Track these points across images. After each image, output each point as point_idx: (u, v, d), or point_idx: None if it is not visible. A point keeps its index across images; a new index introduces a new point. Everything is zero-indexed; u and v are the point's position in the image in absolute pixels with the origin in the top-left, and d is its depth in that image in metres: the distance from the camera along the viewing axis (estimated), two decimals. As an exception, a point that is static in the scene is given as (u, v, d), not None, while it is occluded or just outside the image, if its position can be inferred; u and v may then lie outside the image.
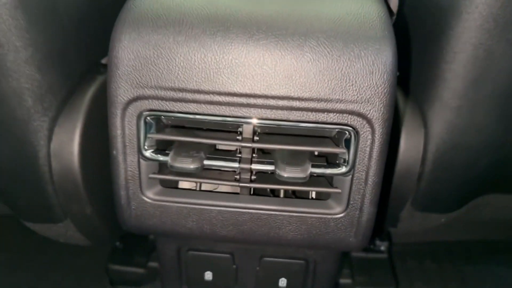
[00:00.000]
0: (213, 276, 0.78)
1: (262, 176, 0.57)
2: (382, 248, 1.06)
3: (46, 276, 1.10)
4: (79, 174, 0.64)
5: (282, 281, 0.77)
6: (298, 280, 0.77)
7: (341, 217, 0.55)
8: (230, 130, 0.55)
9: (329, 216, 0.55)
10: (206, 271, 0.77)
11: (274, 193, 0.60)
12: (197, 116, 0.51)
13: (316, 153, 0.59)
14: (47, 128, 0.60)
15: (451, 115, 0.65)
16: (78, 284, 1.08)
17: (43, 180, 0.63)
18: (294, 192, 0.61)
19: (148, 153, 0.54)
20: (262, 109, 0.50)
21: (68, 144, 0.62)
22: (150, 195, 0.57)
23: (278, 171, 0.52)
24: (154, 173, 0.56)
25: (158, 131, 0.54)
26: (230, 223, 0.57)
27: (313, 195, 0.59)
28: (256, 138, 0.53)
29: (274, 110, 0.50)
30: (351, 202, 0.55)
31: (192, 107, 0.51)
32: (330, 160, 0.57)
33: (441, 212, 0.80)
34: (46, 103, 0.59)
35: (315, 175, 0.53)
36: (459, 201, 0.78)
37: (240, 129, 0.53)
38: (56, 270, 1.12)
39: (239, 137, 0.53)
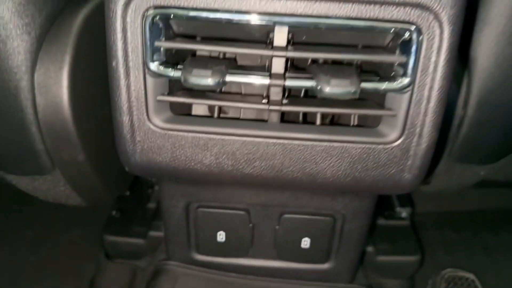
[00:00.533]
0: (226, 237, 0.68)
1: (295, 100, 0.47)
2: (404, 214, 0.98)
3: (34, 252, 0.99)
4: (69, 112, 0.53)
5: (305, 242, 0.68)
6: (323, 240, 0.68)
7: (395, 146, 0.46)
8: (257, 40, 0.46)
9: (380, 146, 0.46)
10: (219, 231, 0.68)
11: (307, 123, 0.51)
12: (217, 15, 0.41)
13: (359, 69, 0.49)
14: (29, 51, 0.50)
15: (503, 42, 0.56)
16: (70, 260, 0.98)
17: (26, 118, 0.53)
18: (332, 122, 0.51)
19: (155, 66, 0.43)
20: (300, 1, 0.40)
21: (55, 74, 0.52)
22: (159, 123, 0.46)
23: (320, 86, 0.42)
24: (163, 94, 0.46)
25: (168, 39, 0.44)
26: (257, 156, 0.47)
27: (355, 121, 0.50)
28: (290, 47, 0.44)
29: (315, 2, 0.41)
30: (408, 127, 0.45)
31: (210, 1, 0.41)
32: (382, 75, 0.47)
33: (482, 163, 0.70)
34: (27, 17, 0.48)
35: (366, 91, 0.43)
36: (502, 150, 0.69)
37: (271, 35, 0.43)
38: (44, 244, 1.01)
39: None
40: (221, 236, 0.68)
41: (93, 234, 1.01)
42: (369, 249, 0.90)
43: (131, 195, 0.96)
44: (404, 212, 0.98)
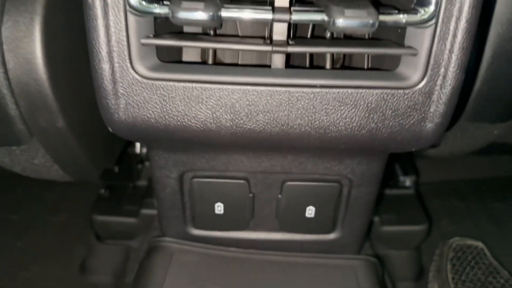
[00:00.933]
0: (225, 209, 0.63)
1: (301, 41, 0.41)
2: (408, 183, 0.93)
3: (21, 236, 0.94)
4: (44, 71, 0.47)
5: (310, 211, 0.63)
6: (329, 208, 0.63)
7: (417, 90, 0.40)
8: None
9: (399, 91, 0.40)
10: (216, 203, 0.63)
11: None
12: None
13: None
14: None
15: None
16: (58, 243, 0.92)
17: None
18: (342, 67, 0.45)
19: (137, 1, 0.37)
20: None
21: (26, 27, 0.46)
22: (144, 72, 0.40)
23: (332, 19, 0.36)
24: (148, 37, 0.40)
25: None
26: (259, 109, 0.41)
27: (369, 65, 0.44)
28: None
29: None
30: (432, 67, 0.39)
31: None
32: (401, 8, 0.41)
33: (495, 120, 0.66)
34: None
35: (385, 24, 0.38)
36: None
37: None
38: (31, 228, 0.96)
39: None
40: (219, 208, 0.63)
41: (82, 215, 0.96)
42: (374, 219, 0.86)
43: (119, 172, 0.90)
44: (408, 181, 0.94)
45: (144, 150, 0.83)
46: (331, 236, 0.67)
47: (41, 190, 1.05)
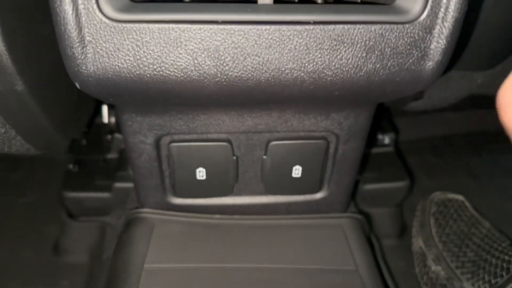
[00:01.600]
0: (207, 174, 0.59)
1: None
2: (387, 141, 0.92)
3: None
4: None
5: (296, 170, 0.60)
6: (316, 167, 0.60)
7: (417, 24, 0.37)
8: None
9: (399, 26, 0.37)
10: (198, 168, 0.59)
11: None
12: None
13: None
14: None
15: None
16: (28, 224, 0.87)
17: None
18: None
19: None
20: None
21: None
22: (113, 13, 0.35)
23: None
24: None
25: None
26: (247, 51, 0.37)
27: None
28: None
29: None
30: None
31: None
32: None
33: (481, 68, 0.64)
34: None
35: None
36: (504, 52, 0.63)
37: None
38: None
39: None
40: (200, 174, 0.59)
41: (51, 193, 0.90)
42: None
43: (88, 145, 0.85)
44: (386, 139, 0.93)
45: (113, 119, 0.78)
46: (318, 195, 0.65)
47: (5, 171, 0.98)
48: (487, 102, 1.00)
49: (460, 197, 0.81)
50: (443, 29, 0.38)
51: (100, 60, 0.37)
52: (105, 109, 0.77)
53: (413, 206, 0.92)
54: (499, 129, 1.06)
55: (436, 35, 0.38)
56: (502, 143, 1.10)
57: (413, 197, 0.90)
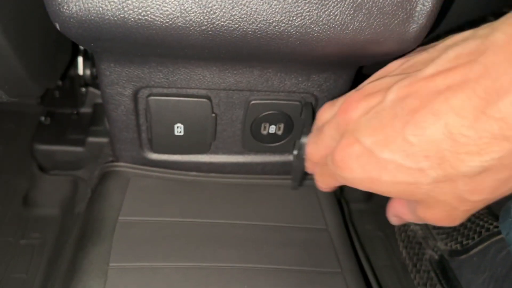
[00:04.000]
0: (185, 130, 0.59)
1: None
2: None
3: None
4: None
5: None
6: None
7: None
8: None
9: None
10: (176, 123, 0.59)
11: None
12: None
13: None
14: None
15: None
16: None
17: None
18: None
19: None
20: None
21: None
22: None
23: None
24: None
25: None
26: (235, 1, 0.37)
27: None
28: None
29: None
30: None
31: None
32: None
33: None
34: None
35: None
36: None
37: None
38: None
39: None
40: (178, 130, 0.59)
41: (20, 146, 0.88)
42: None
43: (61, 98, 0.83)
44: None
45: (88, 72, 0.76)
46: (294, 157, 0.66)
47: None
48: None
49: None
50: None
51: (83, 1, 0.36)
52: (80, 60, 0.74)
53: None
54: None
55: None
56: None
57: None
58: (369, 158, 0.33)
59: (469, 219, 0.65)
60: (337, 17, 0.39)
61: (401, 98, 0.32)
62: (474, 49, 0.29)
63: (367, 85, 0.36)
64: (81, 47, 0.74)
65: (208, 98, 0.57)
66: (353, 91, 0.37)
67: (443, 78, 0.29)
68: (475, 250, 0.60)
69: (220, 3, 0.37)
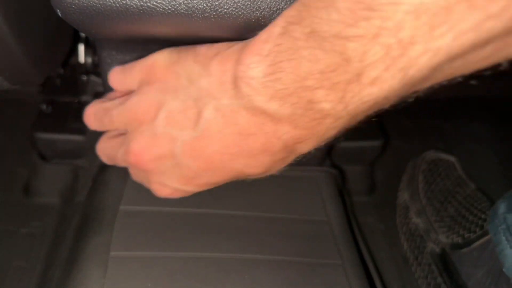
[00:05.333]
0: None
1: None
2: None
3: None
4: None
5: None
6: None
7: None
8: None
9: None
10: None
11: None
12: None
13: None
14: None
15: None
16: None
17: None
18: None
19: None
20: None
21: None
22: None
23: None
24: None
25: None
26: None
27: None
28: None
29: None
30: None
31: None
32: None
33: None
34: None
35: None
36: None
37: None
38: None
39: None
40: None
41: (21, 134, 0.87)
42: None
43: (62, 86, 0.82)
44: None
45: (89, 59, 0.75)
46: (296, 148, 0.66)
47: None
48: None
49: (451, 158, 0.83)
50: None
51: None
52: (81, 48, 0.74)
53: (384, 166, 0.94)
54: (471, 96, 1.09)
55: None
56: (472, 110, 1.14)
57: (385, 157, 0.93)
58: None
59: (471, 212, 0.65)
60: None
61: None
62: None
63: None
64: (82, 35, 0.74)
65: None
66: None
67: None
68: (476, 243, 0.59)
69: None
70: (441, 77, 0.31)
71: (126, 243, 0.53)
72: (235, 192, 0.63)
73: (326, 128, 0.34)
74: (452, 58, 0.27)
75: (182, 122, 0.37)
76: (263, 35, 0.32)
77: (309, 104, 0.31)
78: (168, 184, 0.43)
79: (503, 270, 0.52)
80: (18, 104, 0.92)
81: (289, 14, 0.31)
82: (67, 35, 0.69)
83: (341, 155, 0.85)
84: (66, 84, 0.82)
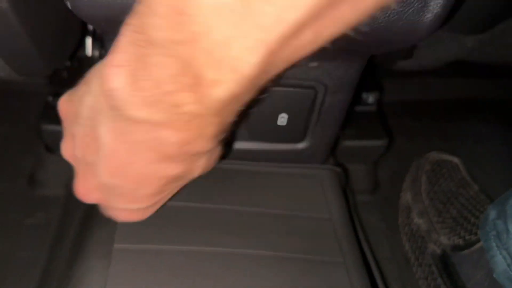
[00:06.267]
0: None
1: None
2: (370, 100, 0.93)
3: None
4: None
5: (282, 118, 0.61)
6: (302, 115, 0.61)
7: None
8: None
9: None
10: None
11: None
12: None
13: None
14: None
15: None
16: (2, 156, 0.85)
17: None
18: None
19: None
20: None
21: None
22: None
23: None
24: None
25: None
26: None
27: None
28: None
29: None
30: None
31: None
32: None
33: (472, 31, 0.65)
34: None
35: None
36: (497, 16, 0.63)
37: None
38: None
39: None
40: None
41: (27, 126, 0.88)
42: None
43: (69, 78, 0.82)
44: (370, 97, 0.93)
45: (97, 53, 0.75)
46: (300, 145, 0.66)
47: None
48: (469, 70, 1.01)
49: (455, 159, 0.83)
50: None
51: None
52: (89, 41, 0.74)
53: (388, 165, 0.95)
54: (475, 97, 1.10)
55: None
56: (477, 112, 1.14)
57: (389, 157, 0.93)
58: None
59: (473, 214, 0.65)
60: None
61: None
62: None
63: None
64: (90, 28, 0.74)
65: None
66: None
67: None
68: (477, 246, 0.60)
69: None
70: (281, 63, 0.31)
71: (130, 235, 0.54)
72: (239, 188, 0.63)
73: (206, 127, 0.33)
74: (275, 50, 0.27)
75: (89, 147, 0.38)
76: (117, 44, 0.31)
77: (176, 107, 0.30)
78: (118, 206, 0.44)
79: (494, 276, 0.52)
80: (24, 96, 0.93)
81: (130, 22, 0.30)
82: (75, 28, 0.69)
83: (345, 153, 0.85)
84: (73, 76, 0.82)
